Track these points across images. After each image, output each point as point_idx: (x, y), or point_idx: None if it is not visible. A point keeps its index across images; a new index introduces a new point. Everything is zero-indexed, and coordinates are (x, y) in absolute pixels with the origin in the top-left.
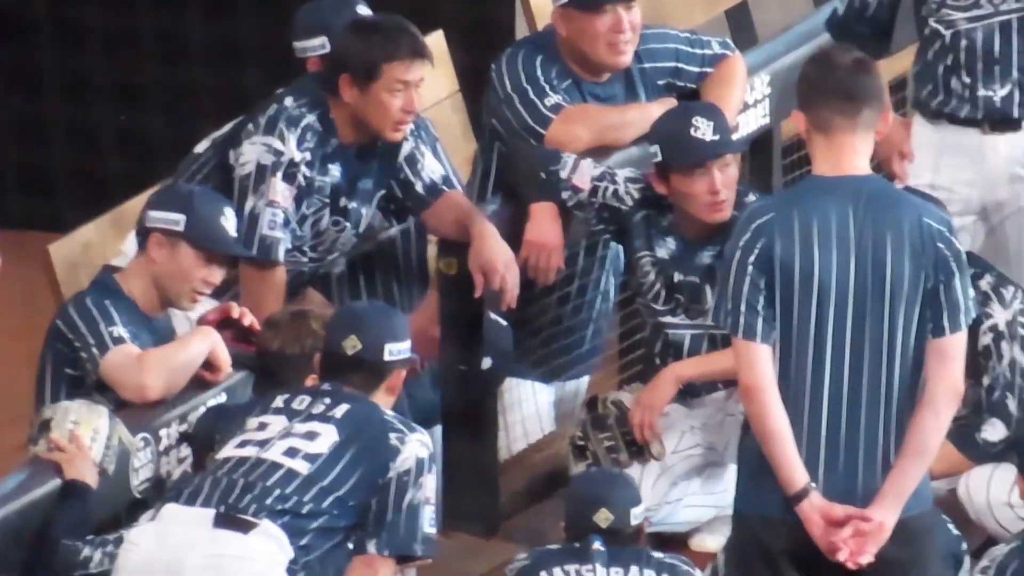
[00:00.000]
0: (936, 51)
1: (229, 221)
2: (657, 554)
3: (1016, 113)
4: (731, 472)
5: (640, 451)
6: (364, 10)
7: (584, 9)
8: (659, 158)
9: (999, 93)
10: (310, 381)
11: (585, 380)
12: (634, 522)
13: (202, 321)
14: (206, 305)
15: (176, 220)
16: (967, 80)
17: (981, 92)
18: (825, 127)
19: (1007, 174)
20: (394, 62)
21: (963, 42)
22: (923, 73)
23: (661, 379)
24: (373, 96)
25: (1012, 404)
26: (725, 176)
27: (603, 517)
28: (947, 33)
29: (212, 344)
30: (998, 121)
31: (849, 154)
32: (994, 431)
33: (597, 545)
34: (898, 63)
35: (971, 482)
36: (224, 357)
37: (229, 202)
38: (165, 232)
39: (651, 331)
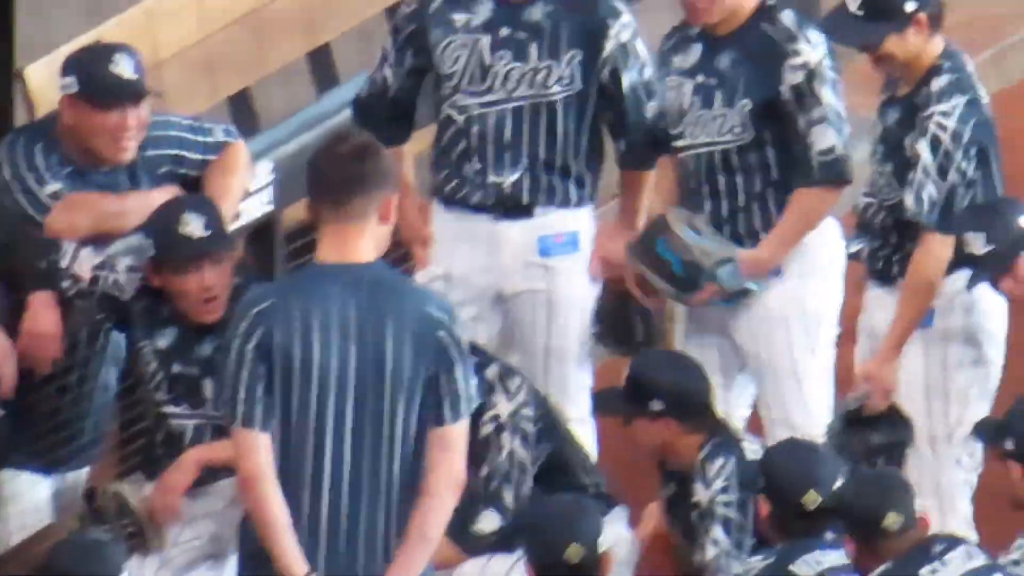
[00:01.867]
0: (451, 136)
1: None
2: None
3: (526, 199)
4: (235, 561)
5: (140, 543)
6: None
7: (92, 105)
8: (152, 252)
9: (509, 179)
10: None
11: (85, 471)
12: None
13: None
14: None
15: None
16: (478, 166)
17: (492, 178)
18: (317, 216)
19: (521, 261)
20: None
21: (475, 127)
22: (440, 159)
23: (183, 462)
24: None
25: (509, 496)
26: (217, 272)
27: None
28: (460, 118)
29: None
30: (509, 208)
31: (349, 241)
32: (489, 522)
33: None
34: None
35: (465, 574)
36: None
37: None
38: None
39: (154, 420)
